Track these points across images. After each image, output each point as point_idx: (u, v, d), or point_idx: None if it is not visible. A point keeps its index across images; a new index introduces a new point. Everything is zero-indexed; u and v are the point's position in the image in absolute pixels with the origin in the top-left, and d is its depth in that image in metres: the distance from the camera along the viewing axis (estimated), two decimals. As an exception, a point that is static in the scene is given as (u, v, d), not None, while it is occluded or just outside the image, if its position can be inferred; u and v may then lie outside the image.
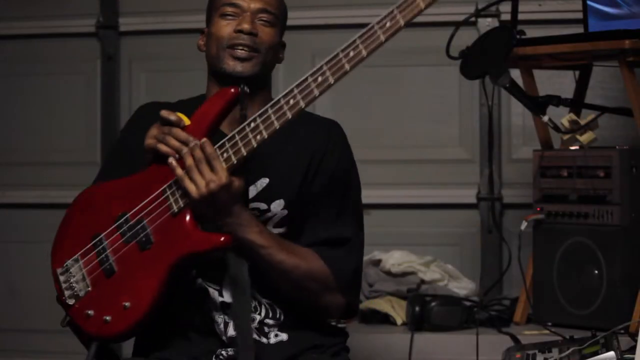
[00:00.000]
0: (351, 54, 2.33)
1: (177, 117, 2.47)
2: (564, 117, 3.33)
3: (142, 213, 2.50)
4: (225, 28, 2.59)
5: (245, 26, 2.56)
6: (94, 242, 2.55)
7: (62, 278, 2.57)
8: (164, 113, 2.48)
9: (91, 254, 2.55)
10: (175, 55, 4.32)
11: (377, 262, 3.74)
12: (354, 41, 2.32)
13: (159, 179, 2.49)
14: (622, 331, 2.93)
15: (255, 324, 2.56)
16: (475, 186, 4.11)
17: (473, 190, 4.11)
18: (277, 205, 2.58)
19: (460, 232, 4.14)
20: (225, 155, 2.43)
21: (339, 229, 2.60)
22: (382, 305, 3.55)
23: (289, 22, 2.71)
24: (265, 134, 2.40)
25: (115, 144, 2.84)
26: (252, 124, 2.41)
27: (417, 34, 4.14)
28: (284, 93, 2.39)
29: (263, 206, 2.57)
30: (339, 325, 2.85)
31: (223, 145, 2.43)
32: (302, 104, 2.37)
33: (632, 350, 2.61)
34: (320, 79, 2.35)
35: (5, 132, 4.51)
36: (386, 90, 4.20)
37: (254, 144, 2.41)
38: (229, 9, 2.60)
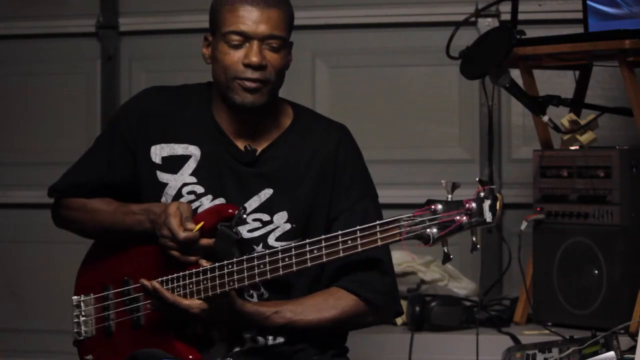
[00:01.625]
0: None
1: (194, 234, 2.42)
2: (564, 117, 3.33)
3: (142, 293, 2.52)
4: (232, 57, 2.45)
5: (254, 59, 2.43)
6: (103, 294, 2.59)
7: (74, 311, 2.63)
8: (183, 237, 2.40)
9: (99, 305, 2.60)
10: (175, 55, 4.32)
11: (377, 262, 3.74)
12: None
13: (167, 263, 2.47)
14: (622, 331, 2.93)
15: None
16: (475, 186, 4.09)
17: (473, 190, 4.09)
18: (280, 218, 2.52)
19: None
20: (201, 284, 2.41)
21: None
22: (382, 305, 3.55)
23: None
24: (236, 285, 2.40)
25: (110, 129, 2.69)
26: (230, 268, 2.40)
27: (417, 34, 4.14)
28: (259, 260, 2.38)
29: (266, 217, 2.52)
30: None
31: (198, 274, 2.42)
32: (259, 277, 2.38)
33: (632, 350, 2.61)
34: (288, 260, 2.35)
35: (6, 132, 4.51)
36: (386, 90, 4.19)
37: (225, 288, 2.40)
38: (235, 37, 2.45)
